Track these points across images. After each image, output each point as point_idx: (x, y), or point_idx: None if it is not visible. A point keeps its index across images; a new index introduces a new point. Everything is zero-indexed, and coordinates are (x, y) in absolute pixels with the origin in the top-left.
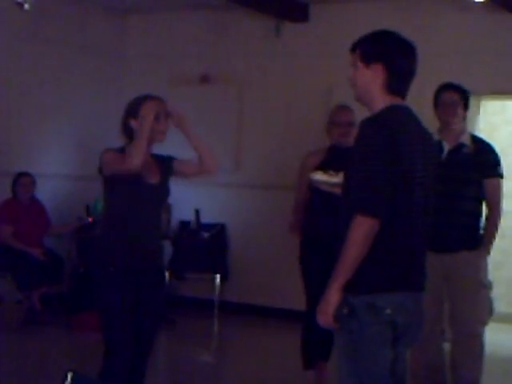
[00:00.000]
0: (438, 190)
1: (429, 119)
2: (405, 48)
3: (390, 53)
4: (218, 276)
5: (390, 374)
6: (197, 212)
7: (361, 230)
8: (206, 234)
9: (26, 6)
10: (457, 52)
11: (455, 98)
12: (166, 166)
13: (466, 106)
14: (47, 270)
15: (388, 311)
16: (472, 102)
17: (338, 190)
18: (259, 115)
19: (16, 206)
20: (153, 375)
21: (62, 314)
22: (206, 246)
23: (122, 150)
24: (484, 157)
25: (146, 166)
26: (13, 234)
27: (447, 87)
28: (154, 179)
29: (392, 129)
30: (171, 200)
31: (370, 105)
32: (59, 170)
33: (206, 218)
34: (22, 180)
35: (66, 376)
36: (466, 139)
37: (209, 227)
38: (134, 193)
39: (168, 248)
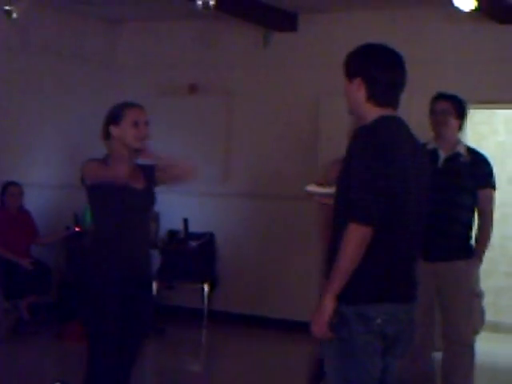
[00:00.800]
0: (433, 199)
1: (416, 127)
2: (385, 59)
3: (367, 66)
4: (207, 285)
5: None
6: (185, 221)
7: (354, 238)
8: (194, 243)
9: (15, 14)
10: (444, 61)
11: (446, 108)
12: (148, 172)
13: (460, 116)
14: (35, 280)
15: (378, 321)
16: None
17: (329, 201)
18: (247, 125)
19: (3, 215)
20: None
21: (50, 324)
22: (195, 255)
23: (104, 159)
24: (479, 167)
25: (131, 173)
26: (0, 243)
27: (439, 97)
28: (139, 185)
29: (386, 139)
30: (159, 209)
31: (362, 117)
32: (47, 179)
33: (194, 227)
34: (11, 189)
35: None
36: (461, 149)
37: (197, 236)
38: (120, 199)
39: (156, 257)
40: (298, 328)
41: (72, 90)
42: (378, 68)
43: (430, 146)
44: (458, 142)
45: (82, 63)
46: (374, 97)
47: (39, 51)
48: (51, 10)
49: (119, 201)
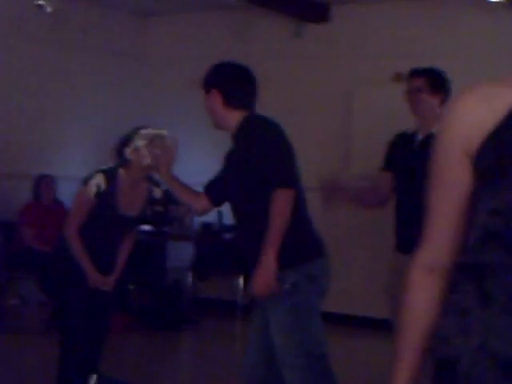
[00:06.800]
0: (408, 184)
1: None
2: (235, 72)
3: (221, 78)
4: (241, 277)
5: None
6: (219, 213)
7: (284, 200)
8: (228, 235)
9: (48, 8)
10: (475, 53)
11: (418, 84)
12: (151, 196)
13: (436, 91)
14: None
15: (324, 280)
16: None
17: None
18: (279, 117)
19: (38, 208)
20: (175, 376)
21: None
22: (229, 247)
23: (113, 170)
24: None
25: (131, 198)
26: (36, 235)
27: (412, 74)
28: (133, 211)
29: (271, 126)
30: None
31: (225, 125)
32: (80, 172)
33: (228, 219)
34: (45, 182)
35: (90, 378)
36: (438, 129)
37: (231, 228)
38: (107, 222)
39: (190, 249)
40: (332, 320)
41: (104, 83)
42: (229, 78)
43: (410, 131)
44: (437, 120)
45: (113, 58)
46: (229, 101)
47: (69, 46)
48: (80, 4)
49: (105, 223)
